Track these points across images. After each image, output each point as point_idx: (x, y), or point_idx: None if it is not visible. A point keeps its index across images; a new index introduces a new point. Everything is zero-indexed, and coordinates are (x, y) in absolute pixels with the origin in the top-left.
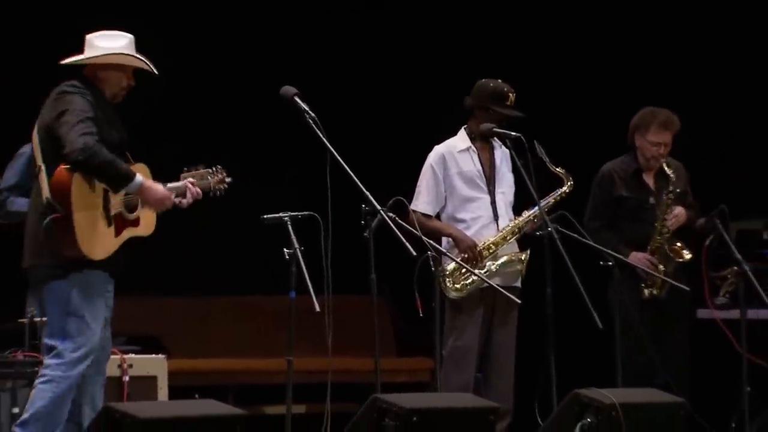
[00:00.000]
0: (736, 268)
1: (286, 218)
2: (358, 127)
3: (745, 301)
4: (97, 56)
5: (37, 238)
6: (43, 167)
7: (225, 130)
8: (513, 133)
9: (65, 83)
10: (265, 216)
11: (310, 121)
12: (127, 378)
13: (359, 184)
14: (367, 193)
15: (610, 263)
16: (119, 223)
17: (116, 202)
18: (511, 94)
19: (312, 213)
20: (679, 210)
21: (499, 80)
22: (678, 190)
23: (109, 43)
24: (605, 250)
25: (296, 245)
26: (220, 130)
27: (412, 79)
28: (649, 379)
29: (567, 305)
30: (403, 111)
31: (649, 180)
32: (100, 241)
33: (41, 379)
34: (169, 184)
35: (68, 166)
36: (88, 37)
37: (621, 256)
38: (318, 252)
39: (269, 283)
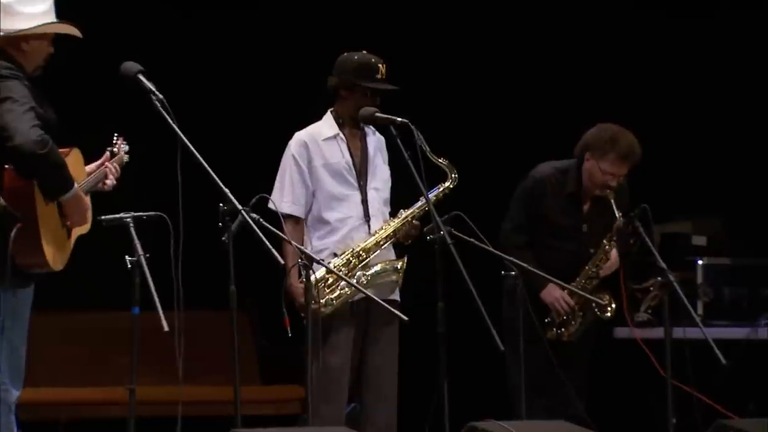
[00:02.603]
0: (659, 278)
1: (127, 219)
2: (215, 112)
3: (671, 318)
4: (37, 26)
5: None
6: None
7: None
8: (399, 119)
9: None
10: (102, 217)
11: (157, 103)
12: None
13: (216, 178)
14: (226, 189)
15: (513, 273)
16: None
17: None
18: (380, 66)
19: (159, 213)
20: (614, 259)
21: (364, 51)
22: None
23: (33, 8)
24: (509, 258)
25: (140, 252)
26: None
27: (275, 55)
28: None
29: (462, 322)
30: (270, 93)
31: (585, 203)
32: (61, 251)
33: None
34: (90, 169)
35: (12, 168)
36: (2, 2)
37: (527, 266)
38: (167, 260)
39: (107, 297)
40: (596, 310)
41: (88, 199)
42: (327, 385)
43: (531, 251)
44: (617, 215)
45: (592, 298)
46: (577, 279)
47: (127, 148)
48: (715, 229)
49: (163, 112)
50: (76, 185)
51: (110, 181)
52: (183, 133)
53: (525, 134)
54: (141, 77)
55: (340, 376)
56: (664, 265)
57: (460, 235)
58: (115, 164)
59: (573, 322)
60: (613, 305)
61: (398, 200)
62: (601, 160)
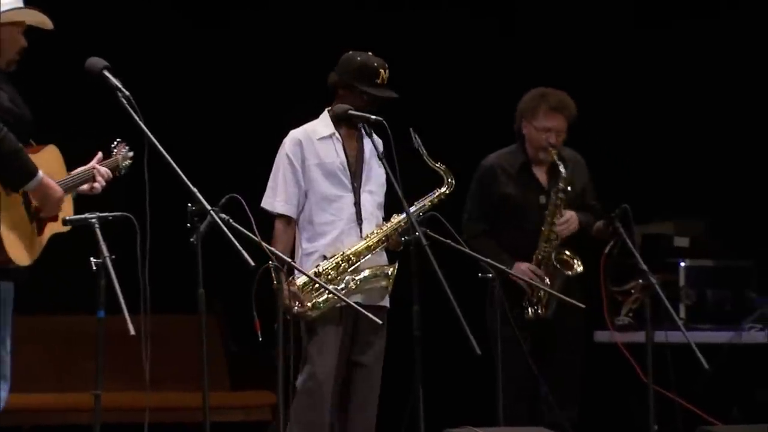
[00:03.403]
0: (641, 281)
1: (92, 219)
2: (184, 110)
3: (652, 321)
4: (4, 12)
5: None
6: None
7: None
8: (373, 117)
9: None
10: (66, 217)
11: (123, 101)
12: None
13: (184, 178)
14: (194, 189)
15: (490, 275)
16: (40, 219)
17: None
18: (382, 71)
19: (126, 213)
20: (570, 214)
21: (370, 53)
22: (569, 189)
23: None
24: (484, 259)
25: (106, 253)
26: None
27: (258, 49)
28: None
29: (438, 325)
30: (242, 89)
31: (540, 175)
32: (27, 245)
33: None
34: (76, 171)
35: None
36: None
37: (504, 267)
38: (133, 261)
39: (71, 300)
40: (561, 268)
41: (68, 195)
42: (313, 391)
43: (493, 238)
44: (561, 171)
45: (548, 289)
46: (539, 246)
47: (130, 153)
48: (697, 230)
49: (130, 109)
50: (41, 173)
51: (98, 185)
52: (151, 132)
53: (506, 135)
54: (106, 73)
55: (326, 382)
56: (645, 267)
57: (436, 236)
58: (106, 168)
59: (542, 294)
60: (577, 262)
61: (392, 204)
62: (534, 118)
